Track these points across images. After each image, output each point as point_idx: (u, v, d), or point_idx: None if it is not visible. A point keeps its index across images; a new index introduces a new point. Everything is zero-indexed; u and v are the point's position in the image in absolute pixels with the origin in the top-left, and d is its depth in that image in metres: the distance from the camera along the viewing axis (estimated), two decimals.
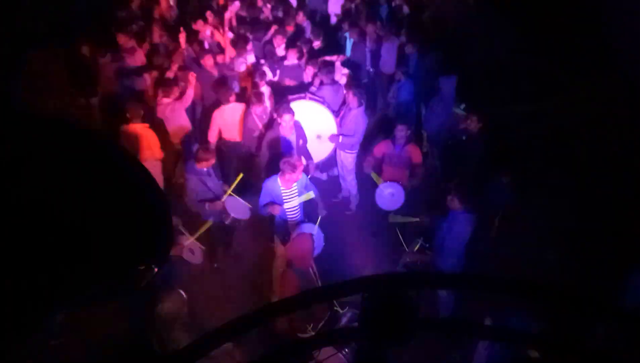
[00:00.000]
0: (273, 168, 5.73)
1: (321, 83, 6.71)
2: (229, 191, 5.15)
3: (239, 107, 6.25)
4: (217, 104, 6.28)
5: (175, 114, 6.18)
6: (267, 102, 6.44)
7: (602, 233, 5.30)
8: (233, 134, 6.27)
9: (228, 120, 6.19)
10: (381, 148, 5.90)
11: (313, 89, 6.71)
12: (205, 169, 5.14)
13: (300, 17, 8.61)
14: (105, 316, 3.92)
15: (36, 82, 6.73)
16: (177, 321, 3.65)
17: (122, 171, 1.11)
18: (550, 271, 4.99)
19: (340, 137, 6.27)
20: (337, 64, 7.34)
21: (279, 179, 4.98)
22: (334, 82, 6.77)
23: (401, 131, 5.67)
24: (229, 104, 6.12)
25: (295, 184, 5.01)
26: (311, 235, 4.41)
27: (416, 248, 4.95)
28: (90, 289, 0.94)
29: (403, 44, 7.75)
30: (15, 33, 7.46)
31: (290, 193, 5.08)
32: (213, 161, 5.24)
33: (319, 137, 6.41)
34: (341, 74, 7.29)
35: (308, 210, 5.35)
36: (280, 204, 5.02)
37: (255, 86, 6.57)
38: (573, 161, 6.21)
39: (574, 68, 6.95)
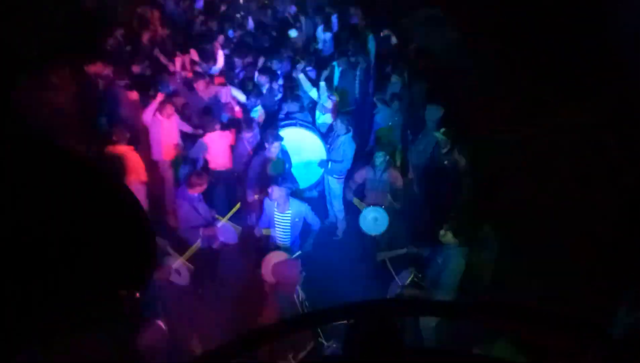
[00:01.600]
0: (259, 191, 5.77)
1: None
2: (225, 219, 5.29)
3: (224, 135, 6.27)
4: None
5: (167, 132, 6.26)
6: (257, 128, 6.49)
7: (593, 262, 5.31)
8: (219, 163, 6.28)
9: (213, 149, 6.20)
10: (362, 174, 5.97)
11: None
12: (196, 194, 5.15)
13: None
14: (84, 348, 3.79)
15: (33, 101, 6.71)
16: (156, 353, 3.56)
17: (107, 194, 1.11)
18: (538, 299, 4.97)
19: (330, 163, 6.32)
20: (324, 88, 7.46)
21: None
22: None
23: (379, 158, 5.76)
24: (214, 133, 6.14)
25: (289, 211, 5.03)
26: (299, 262, 4.39)
27: (409, 281, 4.82)
28: (70, 312, 0.92)
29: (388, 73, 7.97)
30: (7, 54, 7.47)
31: (282, 217, 5.12)
32: (205, 186, 5.27)
33: (302, 169, 6.46)
34: (329, 98, 7.40)
35: (302, 237, 5.37)
36: (273, 225, 5.20)
37: (246, 112, 6.64)
38: (560, 188, 6.26)
39: (560, 96, 7.08)
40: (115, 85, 6.85)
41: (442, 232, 4.54)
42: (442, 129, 6.06)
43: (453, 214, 4.88)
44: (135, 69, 7.57)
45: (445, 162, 5.95)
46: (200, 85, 6.87)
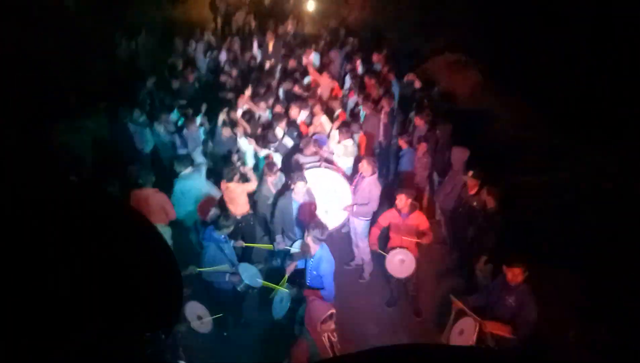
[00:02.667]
0: (285, 233, 5.76)
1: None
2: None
3: (241, 187, 6.27)
4: None
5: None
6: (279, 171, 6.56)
7: (617, 308, 5.06)
8: (239, 211, 6.24)
9: (228, 196, 6.20)
10: (387, 217, 5.89)
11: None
12: (223, 236, 5.19)
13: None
14: None
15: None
16: None
17: (136, 236, 1.12)
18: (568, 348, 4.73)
19: (355, 206, 6.28)
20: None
21: None
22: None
23: (401, 200, 5.68)
24: (232, 182, 6.16)
25: (312, 258, 5.00)
26: (327, 304, 4.29)
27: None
28: (97, 351, 0.91)
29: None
30: (46, 104, 7.91)
31: (308, 262, 5.07)
32: (232, 228, 5.31)
33: (327, 210, 6.40)
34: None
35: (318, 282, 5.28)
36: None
37: (268, 156, 6.77)
38: (585, 233, 6.06)
39: (585, 140, 6.99)
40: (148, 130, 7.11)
41: (512, 272, 4.38)
42: (472, 172, 5.95)
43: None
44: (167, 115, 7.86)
45: (475, 204, 5.82)
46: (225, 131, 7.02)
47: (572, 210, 6.37)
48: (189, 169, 6.35)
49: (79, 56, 9.85)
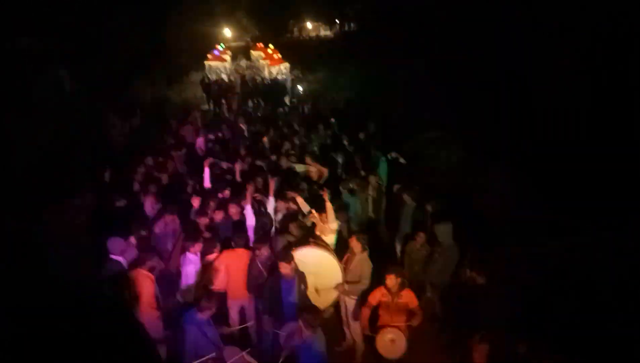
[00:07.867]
0: (274, 314, 5.58)
1: None
2: None
3: (243, 255, 6.29)
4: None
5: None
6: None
7: None
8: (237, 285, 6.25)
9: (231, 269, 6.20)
10: (376, 296, 5.82)
11: None
12: (205, 318, 5.02)
13: None
14: None
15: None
16: None
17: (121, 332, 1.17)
18: None
19: (346, 285, 6.20)
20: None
21: None
22: None
23: (392, 280, 5.62)
24: (233, 252, 6.20)
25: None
26: None
27: None
28: None
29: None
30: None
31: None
32: (215, 309, 5.13)
33: (318, 290, 6.31)
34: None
35: None
36: None
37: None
38: (584, 307, 5.98)
39: (580, 210, 7.03)
40: None
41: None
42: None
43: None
44: None
45: (467, 279, 5.78)
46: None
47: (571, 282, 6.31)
48: None
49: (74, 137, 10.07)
